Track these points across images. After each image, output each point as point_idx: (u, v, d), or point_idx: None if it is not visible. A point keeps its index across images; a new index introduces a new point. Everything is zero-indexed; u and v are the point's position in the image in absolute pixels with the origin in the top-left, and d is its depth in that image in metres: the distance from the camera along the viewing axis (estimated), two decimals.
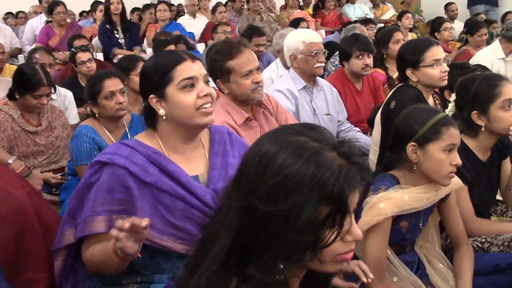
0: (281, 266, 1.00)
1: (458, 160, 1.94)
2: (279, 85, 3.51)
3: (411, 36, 6.93)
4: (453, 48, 6.12)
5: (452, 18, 8.27)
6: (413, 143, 1.95)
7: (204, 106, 1.74)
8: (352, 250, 1.04)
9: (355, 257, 2.02)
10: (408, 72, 2.87)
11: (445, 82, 2.84)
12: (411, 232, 2.06)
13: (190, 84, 1.73)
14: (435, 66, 2.81)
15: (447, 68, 2.85)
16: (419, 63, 2.83)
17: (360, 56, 3.85)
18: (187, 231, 1.75)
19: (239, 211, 1.02)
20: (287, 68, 3.90)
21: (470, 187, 2.33)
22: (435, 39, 6.38)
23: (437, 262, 2.13)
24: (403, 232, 2.04)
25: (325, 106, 3.55)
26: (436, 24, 6.46)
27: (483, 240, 2.26)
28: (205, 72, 1.79)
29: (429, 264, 2.13)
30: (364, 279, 1.72)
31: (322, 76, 3.82)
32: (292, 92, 3.42)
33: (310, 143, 1.01)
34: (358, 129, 3.73)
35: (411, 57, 2.86)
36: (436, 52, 2.85)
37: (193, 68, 1.75)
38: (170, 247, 1.74)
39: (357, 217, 1.97)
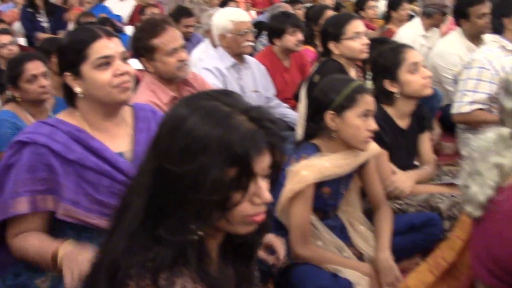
0: (193, 227, 1.03)
1: (374, 125, 2.05)
2: (206, 63, 3.52)
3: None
4: (377, 25, 6.31)
5: None
6: (331, 112, 2.04)
7: (120, 84, 1.73)
8: (261, 212, 1.07)
9: (281, 226, 2.11)
10: (331, 45, 2.97)
11: (366, 55, 2.96)
12: (333, 197, 2.16)
13: (105, 62, 1.71)
14: (356, 39, 2.92)
15: (367, 41, 2.97)
16: (341, 36, 2.93)
17: (293, 33, 3.91)
18: (114, 207, 1.75)
19: (151, 173, 1.04)
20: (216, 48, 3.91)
21: (390, 152, 2.47)
22: (361, 17, 6.58)
23: (359, 224, 2.24)
24: (325, 198, 2.13)
25: (252, 83, 3.60)
26: (361, 2, 6.63)
27: (402, 202, 2.40)
28: (122, 49, 1.77)
29: (351, 227, 2.23)
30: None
31: (251, 55, 3.87)
32: (220, 70, 3.44)
33: (222, 107, 1.04)
34: (286, 105, 3.81)
35: (333, 30, 2.96)
36: (357, 25, 2.96)
37: (109, 46, 1.72)
38: (96, 224, 1.74)
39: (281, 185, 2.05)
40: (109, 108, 1.79)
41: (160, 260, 1.01)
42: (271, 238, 1.87)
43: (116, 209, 1.15)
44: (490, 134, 1.45)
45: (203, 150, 0.99)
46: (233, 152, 0.98)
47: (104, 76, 1.70)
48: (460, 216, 1.90)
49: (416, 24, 4.69)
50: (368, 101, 2.04)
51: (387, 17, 5.84)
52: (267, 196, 1.06)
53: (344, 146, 2.09)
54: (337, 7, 7.57)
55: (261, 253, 1.88)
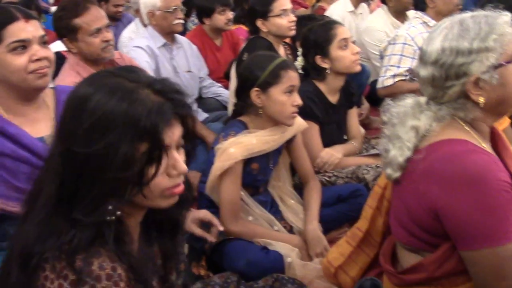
0: (109, 207, 1.02)
1: (298, 101, 2.08)
2: (138, 42, 3.44)
3: None
4: (310, 3, 6.38)
5: None
6: (256, 89, 2.06)
7: (37, 70, 1.66)
8: (179, 184, 1.07)
9: (212, 204, 2.12)
10: (259, 23, 2.99)
11: (293, 32, 3.00)
12: (263, 173, 2.19)
13: (21, 46, 1.64)
14: (283, 16, 2.95)
15: (294, 18, 3.00)
16: (268, 13, 2.96)
17: (223, 11, 3.88)
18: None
19: (60, 157, 1.02)
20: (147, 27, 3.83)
21: (321, 127, 2.53)
22: None
23: (289, 199, 2.30)
24: (255, 174, 2.16)
25: (185, 63, 3.56)
26: None
27: (330, 174, 2.48)
28: (41, 33, 1.70)
29: (281, 201, 2.29)
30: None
31: (183, 34, 3.82)
32: (151, 49, 3.38)
33: (125, 83, 1.02)
34: (219, 84, 3.80)
35: (260, 8, 2.98)
36: (284, 2, 3.00)
37: (26, 29, 1.65)
38: (16, 212, 1.69)
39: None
40: (26, 93, 1.73)
41: (76, 242, 1.00)
42: (207, 214, 1.89)
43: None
44: (409, 100, 1.51)
45: (110, 128, 0.98)
46: (141, 127, 0.98)
47: (20, 60, 1.64)
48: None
49: (345, 1, 4.77)
50: (292, 77, 2.07)
51: None
52: (182, 166, 1.06)
53: (271, 122, 2.12)
54: None
55: (198, 230, 1.90)
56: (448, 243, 1.41)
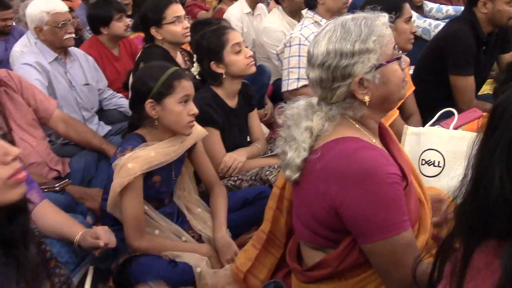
0: None
1: (194, 110, 2.07)
2: (26, 58, 3.26)
3: None
4: (210, 6, 6.38)
5: None
6: (150, 100, 2.02)
7: None
8: (18, 169, 1.03)
9: (116, 221, 2.06)
10: (153, 31, 2.94)
11: (188, 38, 2.98)
12: (166, 184, 2.16)
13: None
14: (177, 23, 2.92)
15: (188, 25, 2.98)
16: (161, 21, 2.92)
17: (120, 18, 3.78)
18: None
19: None
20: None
21: (222, 132, 2.53)
22: None
23: (195, 207, 2.28)
24: (157, 186, 2.12)
25: (82, 76, 3.42)
26: None
27: (235, 178, 2.49)
28: None
29: (188, 211, 2.27)
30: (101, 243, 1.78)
31: (78, 45, 3.68)
32: (42, 65, 3.21)
33: None
34: (120, 95, 3.70)
35: (153, 15, 2.94)
36: (176, 9, 2.97)
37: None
38: None
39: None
40: None
41: None
42: (96, 229, 1.84)
43: None
44: (301, 102, 1.55)
45: None
46: None
47: None
48: None
49: (242, 2, 4.81)
50: (186, 86, 2.05)
51: None
52: (13, 149, 1.03)
53: (169, 133, 2.09)
54: None
55: (89, 241, 1.84)
56: (349, 238, 1.46)
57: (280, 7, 4.02)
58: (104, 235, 1.82)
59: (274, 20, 4.01)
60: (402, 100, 2.69)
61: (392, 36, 1.47)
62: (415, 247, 1.41)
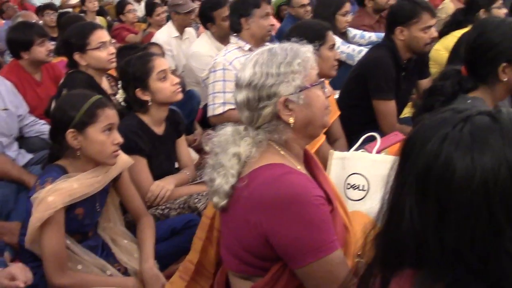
0: None
1: (119, 139, 2.02)
2: None
3: (99, 20, 6.89)
4: (139, 29, 6.32)
5: (138, 0, 8.50)
6: (71, 130, 1.95)
7: None
8: None
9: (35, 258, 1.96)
10: (76, 57, 2.86)
11: (114, 64, 2.92)
12: (89, 217, 2.08)
13: None
14: (102, 48, 2.86)
15: (114, 50, 2.93)
16: (85, 46, 2.84)
17: (42, 43, 3.64)
18: None
19: None
20: None
21: (149, 160, 2.48)
22: (121, 21, 6.49)
23: (122, 239, 2.21)
24: (80, 219, 2.04)
25: (0, 101, 3.27)
26: (120, 7, 6.55)
27: (163, 207, 2.44)
28: None
29: (113, 243, 2.19)
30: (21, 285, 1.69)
31: None
32: None
33: None
34: (43, 121, 3.55)
35: (76, 41, 2.86)
36: (101, 35, 2.90)
37: None
38: None
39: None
40: None
41: None
42: (10, 268, 1.73)
43: None
44: (228, 128, 1.55)
45: None
46: None
47: None
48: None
49: (170, 26, 4.80)
50: (109, 115, 2.00)
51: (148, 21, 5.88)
52: None
53: (92, 163, 2.02)
54: (101, 12, 7.39)
55: (5, 283, 1.73)
56: (277, 265, 1.46)
57: (208, 32, 4.04)
58: (21, 274, 1.71)
59: (202, 45, 4.02)
60: (326, 128, 2.77)
61: (315, 62, 1.52)
62: (347, 266, 1.44)
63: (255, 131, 1.51)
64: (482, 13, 3.70)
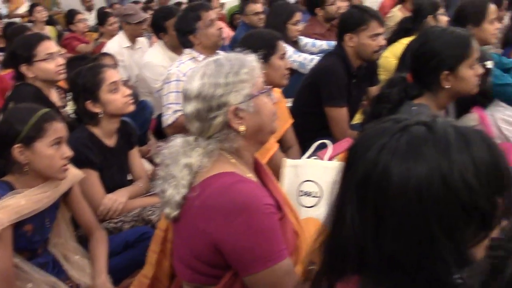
0: None
1: (68, 152, 1.98)
2: None
3: (49, 29, 6.75)
4: (90, 39, 6.22)
5: (89, 9, 8.38)
6: (18, 145, 1.90)
7: None
8: None
9: None
10: (23, 69, 2.79)
11: (63, 76, 2.86)
12: (39, 233, 2.03)
13: None
14: (50, 60, 2.80)
15: (62, 62, 2.87)
16: (32, 58, 2.77)
17: None
18: None
19: None
20: None
21: (101, 172, 2.44)
22: (71, 31, 6.37)
23: (73, 255, 2.16)
24: (29, 236, 1.99)
25: None
26: (70, 16, 6.44)
27: (116, 220, 2.40)
28: None
29: (65, 259, 2.14)
30: None
31: None
32: None
33: None
34: None
35: (22, 52, 2.79)
36: (49, 45, 2.84)
37: None
38: None
39: None
40: None
41: None
42: None
43: None
44: (178, 140, 1.55)
45: None
46: None
47: None
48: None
49: (121, 36, 4.74)
50: (58, 129, 1.96)
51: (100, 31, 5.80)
52: None
53: (40, 178, 1.98)
54: (50, 21, 7.24)
55: None
56: (229, 274, 1.48)
57: (161, 41, 4.01)
58: None
59: (155, 55, 3.99)
60: (279, 135, 2.80)
61: (261, 70, 1.55)
62: (295, 275, 1.47)
63: (206, 141, 1.52)
64: (430, 20, 3.82)
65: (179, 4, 6.24)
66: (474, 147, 0.86)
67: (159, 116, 3.81)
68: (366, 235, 0.88)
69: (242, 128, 1.50)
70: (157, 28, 3.99)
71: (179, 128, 3.22)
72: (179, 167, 1.49)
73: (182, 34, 3.32)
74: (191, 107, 1.50)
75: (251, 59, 1.54)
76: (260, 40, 2.55)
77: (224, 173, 1.48)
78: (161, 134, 3.82)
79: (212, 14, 3.35)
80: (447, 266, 0.83)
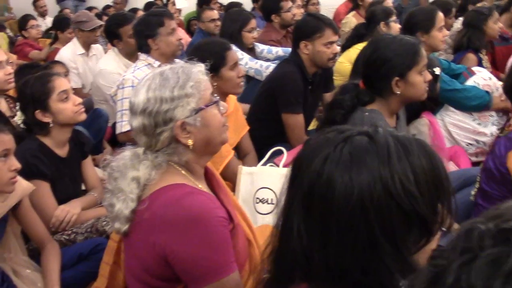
0: None
1: (16, 165, 1.93)
2: None
3: (1, 36, 6.57)
4: (44, 45, 6.07)
5: (42, 15, 8.19)
6: None
7: None
8: None
9: None
10: None
11: (12, 85, 2.79)
12: None
13: None
14: None
15: (11, 70, 2.79)
16: None
17: None
18: None
19: None
20: None
21: (52, 183, 2.38)
22: (24, 37, 6.21)
23: (24, 269, 2.09)
24: None
25: None
26: (22, 22, 6.28)
27: (69, 232, 2.35)
28: None
29: (15, 274, 2.07)
30: None
31: None
32: None
33: None
34: None
35: None
36: None
37: None
38: None
39: None
40: None
41: None
42: None
43: None
44: (127, 153, 1.53)
45: None
46: None
47: None
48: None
49: (75, 43, 4.66)
50: (4, 140, 1.89)
51: (55, 36, 5.65)
52: None
53: None
54: (1, 27, 7.06)
55: None
56: (180, 286, 1.47)
57: (115, 49, 3.96)
58: None
59: (110, 62, 3.93)
60: (235, 142, 2.80)
61: (208, 82, 1.54)
62: (242, 286, 1.48)
63: (154, 154, 1.50)
64: (382, 26, 3.90)
65: (134, 10, 6.17)
66: (413, 155, 0.88)
67: (115, 124, 3.76)
68: (313, 244, 0.89)
69: (190, 142, 1.49)
70: (111, 35, 3.94)
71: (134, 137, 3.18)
72: (127, 180, 1.48)
73: (142, 37, 3.28)
74: (137, 122, 1.49)
75: (198, 71, 1.52)
76: (208, 53, 2.48)
77: (174, 184, 1.47)
78: (117, 142, 3.77)
79: (174, 24, 3.35)
80: (391, 273, 0.84)
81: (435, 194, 0.88)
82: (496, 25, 4.07)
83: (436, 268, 0.51)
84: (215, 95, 1.57)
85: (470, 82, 3.22)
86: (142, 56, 3.31)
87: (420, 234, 0.88)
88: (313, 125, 3.45)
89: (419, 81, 2.19)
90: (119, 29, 3.82)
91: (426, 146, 0.92)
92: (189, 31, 6.56)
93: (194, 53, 2.29)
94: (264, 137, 3.05)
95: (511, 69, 2.28)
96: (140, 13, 5.71)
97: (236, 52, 3.88)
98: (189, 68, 1.52)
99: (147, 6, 7.13)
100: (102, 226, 2.32)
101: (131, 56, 3.88)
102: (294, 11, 4.80)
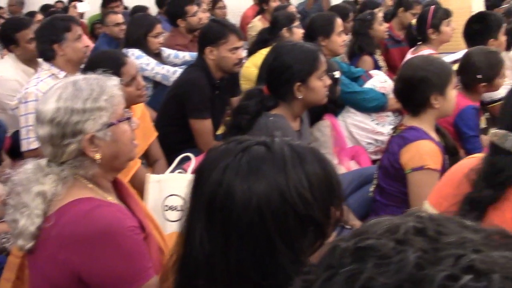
0: None
1: None
2: None
3: None
4: None
5: None
6: None
7: None
8: None
9: None
10: None
11: None
12: None
13: None
14: None
15: None
16: None
17: None
18: None
19: None
20: None
21: None
22: None
23: None
24: None
25: None
26: None
27: None
28: None
29: None
30: None
31: None
32: None
33: None
34: None
35: None
36: None
37: None
38: None
39: None
40: None
41: None
42: None
43: None
44: (29, 166, 1.47)
45: None
46: None
47: None
48: None
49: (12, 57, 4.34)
50: None
51: None
52: None
53: None
54: None
55: None
56: None
57: (12, 54, 3.76)
58: None
59: (7, 69, 3.72)
60: (143, 149, 2.77)
61: (122, 97, 1.52)
62: None
63: (60, 166, 1.46)
64: (285, 31, 4.02)
65: (32, 14, 5.86)
66: (307, 163, 0.94)
67: (15, 134, 3.57)
68: (215, 251, 0.92)
69: (97, 156, 1.46)
70: (7, 40, 3.73)
71: (37, 155, 3.00)
72: (31, 195, 1.42)
73: (47, 43, 3.07)
74: (44, 131, 1.44)
75: (113, 85, 1.50)
76: (104, 64, 2.25)
77: (81, 199, 1.44)
78: (16, 153, 3.58)
79: (80, 30, 3.24)
80: (288, 275, 0.89)
81: (328, 198, 0.95)
82: (381, 26, 4.37)
83: (305, 284, 0.54)
84: (127, 110, 1.56)
85: (368, 84, 3.42)
86: (45, 65, 3.11)
87: (315, 237, 0.94)
88: (221, 130, 3.49)
89: (319, 86, 2.30)
90: (16, 34, 3.63)
91: (319, 154, 0.98)
92: (93, 35, 6.37)
93: (89, 68, 2.19)
94: (173, 143, 3.04)
95: (399, 73, 2.45)
96: (39, 17, 5.47)
97: (142, 57, 3.86)
98: (104, 81, 1.49)
99: (44, 8, 6.78)
100: (2, 243, 2.21)
101: (30, 62, 3.70)
102: (200, 15, 4.81)
